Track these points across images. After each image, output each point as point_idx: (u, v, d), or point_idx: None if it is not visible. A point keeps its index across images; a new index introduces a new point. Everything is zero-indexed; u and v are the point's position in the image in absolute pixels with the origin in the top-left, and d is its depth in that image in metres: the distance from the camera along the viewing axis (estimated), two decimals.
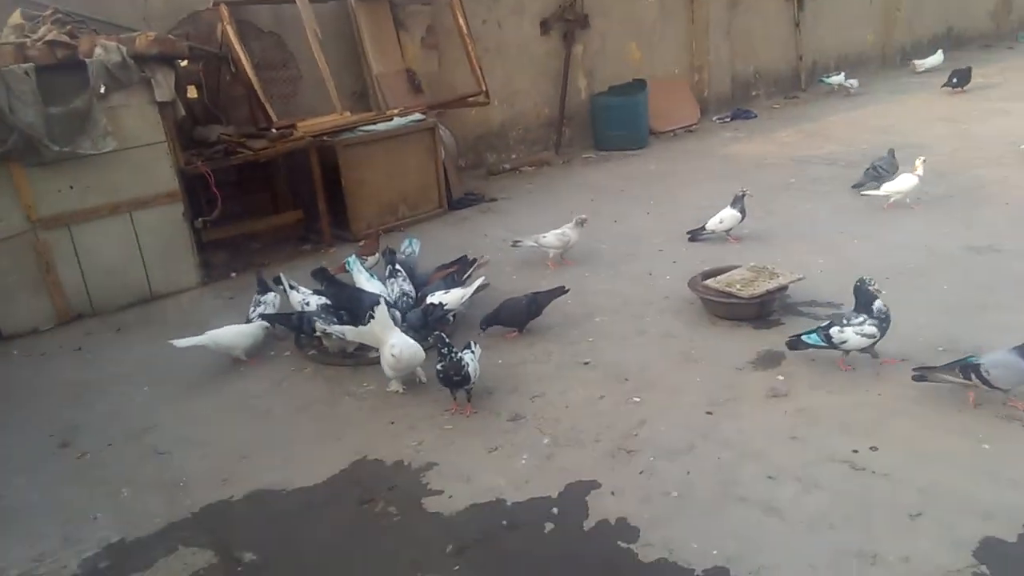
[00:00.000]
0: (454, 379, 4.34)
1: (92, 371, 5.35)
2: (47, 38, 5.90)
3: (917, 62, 14.36)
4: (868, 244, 6.39)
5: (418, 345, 4.66)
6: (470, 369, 4.33)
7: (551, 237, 6.41)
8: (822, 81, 13.47)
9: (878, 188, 7.27)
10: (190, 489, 3.96)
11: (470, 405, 4.45)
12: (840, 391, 4.32)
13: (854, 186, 7.81)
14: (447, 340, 4.37)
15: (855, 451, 3.78)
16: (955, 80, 12.18)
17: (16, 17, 6.24)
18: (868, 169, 7.80)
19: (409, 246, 6.22)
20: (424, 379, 4.73)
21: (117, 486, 4.03)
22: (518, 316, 5.29)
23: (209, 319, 5.64)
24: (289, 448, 4.28)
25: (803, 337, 4.55)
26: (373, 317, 4.66)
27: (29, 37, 5.95)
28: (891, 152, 7.82)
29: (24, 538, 3.69)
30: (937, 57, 14.27)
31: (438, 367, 4.34)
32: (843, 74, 13.34)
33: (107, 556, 3.53)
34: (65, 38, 5.97)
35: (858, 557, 3.14)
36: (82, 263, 6.16)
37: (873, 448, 3.79)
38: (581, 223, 6.38)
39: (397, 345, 4.56)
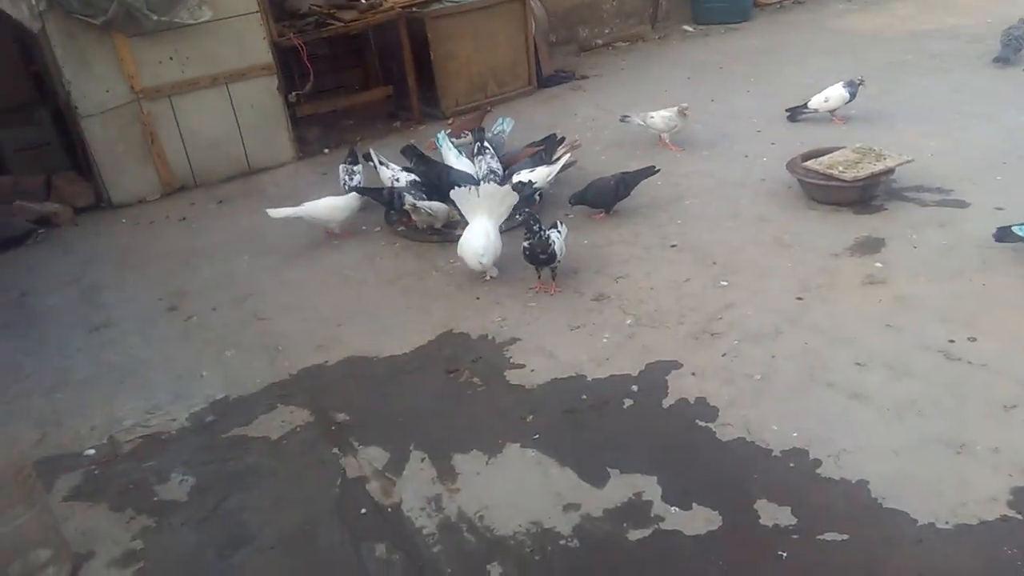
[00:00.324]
0: (540, 257, 4.35)
1: (196, 240, 5.64)
2: None
3: None
4: (988, 125, 5.93)
5: (480, 249, 4.52)
6: (556, 247, 4.33)
7: (657, 119, 6.15)
8: None
9: None
10: (288, 353, 4.19)
11: (555, 283, 4.47)
12: (942, 279, 4.13)
13: (996, 59, 7.19)
14: (537, 218, 4.35)
15: (952, 341, 3.65)
16: None
17: None
18: (1008, 42, 7.16)
19: (501, 124, 6.13)
20: (492, 276, 4.68)
21: (222, 347, 4.31)
22: (606, 196, 5.21)
23: (305, 193, 5.80)
24: (380, 318, 4.44)
25: (1014, 228, 4.17)
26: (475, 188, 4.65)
27: None
28: (1022, 20, 7.14)
29: (139, 392, 4.02)
30: None
31: (524, 244, 4.35)
32: None
33: (212, 411, 3.82)
34: None
35: (946, 444, 3.09)
36: (184, 135, 6.39)
37: (971, 339, 3.65)
38: (683, 112, 6.06)
39: (462, 241, 4.58)
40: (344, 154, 5.98)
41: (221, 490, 3.33)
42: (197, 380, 4.05)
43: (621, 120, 6.33)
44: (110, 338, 4.52)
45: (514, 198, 4.74)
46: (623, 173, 5.27)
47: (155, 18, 5.92)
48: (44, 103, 6.71)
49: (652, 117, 6.18)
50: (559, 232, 4.47)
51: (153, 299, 4.87)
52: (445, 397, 3.77)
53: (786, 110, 6.48)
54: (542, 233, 4.30)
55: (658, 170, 5.36)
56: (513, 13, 7.86)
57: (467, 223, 4.69)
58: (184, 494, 3.34)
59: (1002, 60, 7.17)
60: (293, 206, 5.27)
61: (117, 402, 3.95)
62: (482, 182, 5.39)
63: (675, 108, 6.10)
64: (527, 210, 4.48)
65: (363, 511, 3.15)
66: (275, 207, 5.28)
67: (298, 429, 3.63)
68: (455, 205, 4.80)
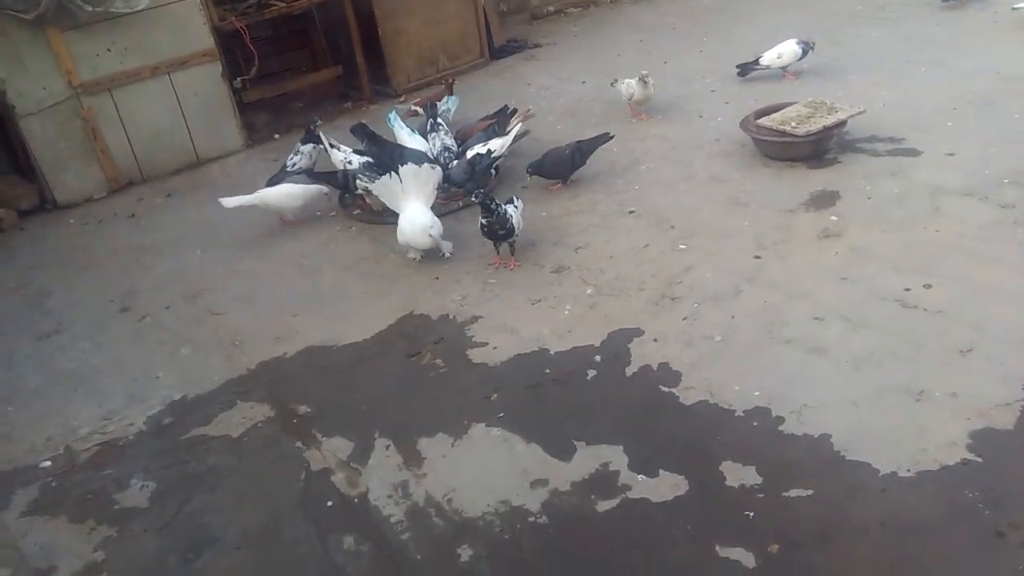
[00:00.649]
0: (499, 233, 4.31)
1: (146, 236, 5.51)
2: None
3: None
4: (937, 72, 5.95)
5: (427, 221, 4.47)
6: (513, 222, 4.29)
7: (621, 87, 6.06)
8: None
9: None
10: (245, 347, 4.12)
11: (514, 258, 4.43)
12: (896, 229, 4.15)
13: (945, 1, 7.23)
14: (491, 196, 4.31)
15: (907, 289, 3.67)
16: None
17: None
18: None
19: (446, 104, 6.00)
20: (448, 253, 4.62)
21: (177, 346, 4.22)
22: (562, 166, 5.16)
23: (255, 181, 5.70)
24: (338, 305, 4.38)
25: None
26: (396, 174, 4.53)
27: None
28: None
29: (93, 398, 3.93)
30: None
31: (482, 221, 4.30)
32: None
33: (170, 412, 3.75)
34: None
35: (904, 393, 3.12)
36: (127, 128, 6.21)
37: (927, 286, 3.67)
38: (643, 79, 5.89)
39: (402, 224, 4.50)
40: (297, 138, 5.85)
41: (183, 493, 3.27)
42: (153, 382, 3.97)
43: (612, 85, 6.20)
44: (60, 344, 4.41)
45: (437, 174, 4.71)
46: (578, 142, 5.21)
47: (89, 9, 5.71)
48: None
49: (617, 83, 6.11)
50: (515, 207, 4.43)
51: (104, 301, 4.76)
52: (408, 381, 3.73)
53: (736, 66, 6.44)
54: (499, 210, 4.26)
55: (612, 136, 5.32)
56: None
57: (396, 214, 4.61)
58: (145, 500, 3.28)
59: (953, 2, 7.19)
60: (245, 193, 5.17)
61: (71, 410, 3.86)
62: (437, 159, 5.33)
63: (635, 77, 5.98)
64: (480, 190, 4.42)
65: (329, 503, 3.12)
66: (226, 195, 5.17)
67: (259, 425, 3.57)
68: (381, 199, 4.73)
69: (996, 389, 3.05)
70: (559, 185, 5.22)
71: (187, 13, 6.21)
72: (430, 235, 4.45)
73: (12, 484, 3.46)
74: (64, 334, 4.51)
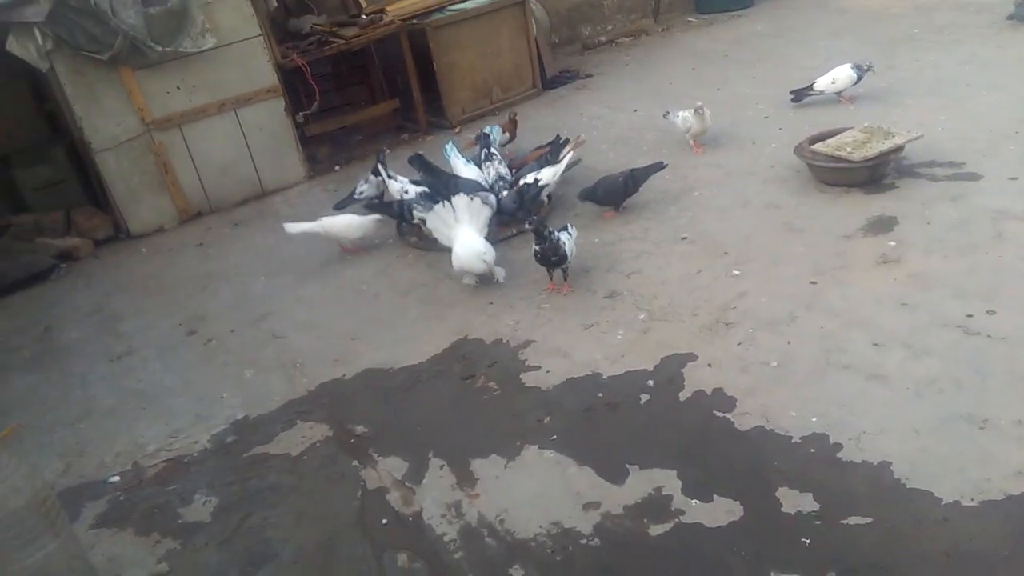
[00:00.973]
0: (552, 259, 4.36)
1: (214, 264, 5.72)
2: None
3: None
4: (998, 95, 5.84)
5: (481, 247, 4.57)
6: (567, 248, 4.34)
7: (679, 120, 5.96)
8: None
9: None
10: (306, 369, 4.23)
11: (567, 284, 4.47)
12: (957, 255, 4.07)
13: (1010, 17, 7.21)
14: (545, 223, 4.38)
15: (970, 316, 3.59)
16: None
17: None
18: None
19: (492, 133, 6.11)
20: (502, 279, 4.66)
21: (241, 368, 4.36)
22: (615, 193, 5.20)
23: (316, 211, 5.85)
24: (395, 329, 4.47)
25: None
26: (449, 203, 4.66)
27: None
28: None
29: (161, 417, 4.09)
30: None
31: (536, 248, 4.36)
32: None
33: (234, 431, 3.87)
34: None
35: (968, 421, 3.05)
36: (196, 162, 6.49)
37: (990, 312, 3.59)
38: (699, 111, 5.83)
39: (457, 250, 4.58)
40: (359, 170, 6.05)
41: (243, 509, 3.37)
42: (218, 402, 4.10)
43: (664, 117, 6.14)
44: (131, 366, 4.60)
45: (490, 208, 4.78)
46: (631, 170, 5.25)
47: (159, 49, 6.02)
48: (59, 140, 6.84)
49: (671, 116, 6.06)
50: (569, 234, 4.48)
51: (173, 325, 4.96)
52: (462, 403, 3.78)
53: (790, 92, 6.42)
54: (552, 237, 4.32)
55: (665, 165, 5.34)
56: (514, 17, 7.88)
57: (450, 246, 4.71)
58: (207, 515, 3.38)
59: (1017, 18, 7.16)
60: (306, 221, 5.35)
61: (140, 428, 4.02)
62: (492, 187, 5.43)
63: (690, 109, 5.95)
64: (534, 217, 4.50)
65: (384, 522, 3.17)
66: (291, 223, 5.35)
67: (317, 444, 3.66)
68: (433, 232, 4.85)
69: None
70: (612, 212, 5.26)
71: (251, 52, 6.48)
72: (484, 261, 4.53)
73: (82, 498, 3.61)
74: (135, 356, 4.70)
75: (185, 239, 6.26)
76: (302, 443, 3.68)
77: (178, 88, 6.28)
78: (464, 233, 4.63)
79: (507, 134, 6.24)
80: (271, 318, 4.80)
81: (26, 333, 5.23)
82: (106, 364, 4.68)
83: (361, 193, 5.77)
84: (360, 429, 3.72)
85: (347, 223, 5.36)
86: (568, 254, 4.37)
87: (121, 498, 3.58)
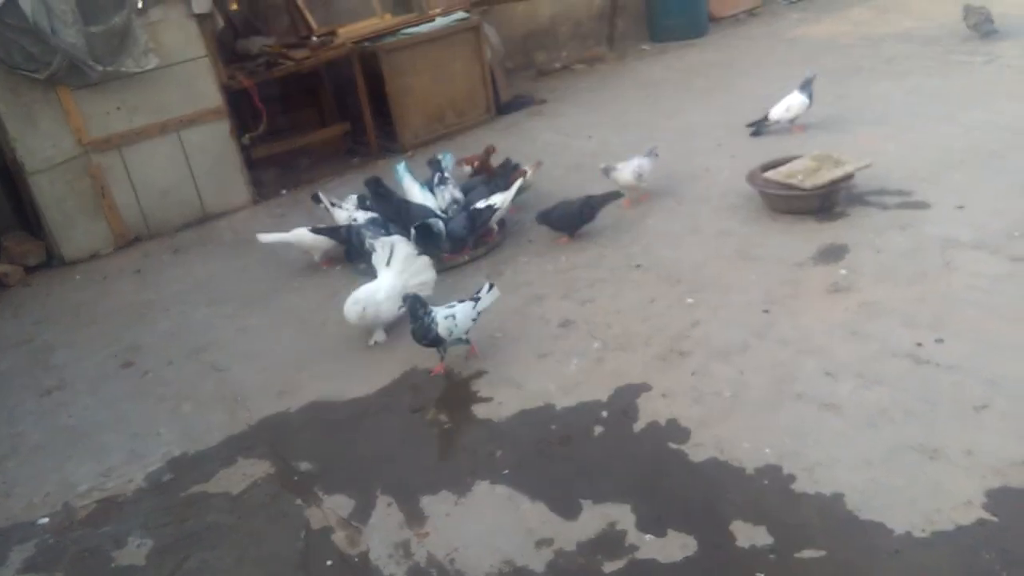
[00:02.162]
0: (422, 342, 3.98)
1: (152, 292, 5.51)
2: None
3: None
4: (945, 125, 5.95)
5: (363, 297, 4.30)
6: (440, 330, 3.91)
7: (627, 173, 5.46)
8: None
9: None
10: (248, 402, 4.07)
11: (442, 365, 4.08)
12: (906, 283, 4.10)
13: (984, 37, 7.69)
14: (422, 300, 3.97)
15: (919, 344, 3.60)
16: None
17: None
18: (977, 23, 7.70)
19: (444, 158, 6.00)
20: (377, 341, 4.42)
21: (179, 402, 4.18)
22: (570, 220, 5.16)
23: None
24: (342, 360, 4.33)
25: None
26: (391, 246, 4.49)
27: None
28: (966, 7, 7.76)
29: (93, 454, 3.88)
30: None
31: (411, 327, 3.96)
32: None
33: (170, 469, 3.69)
34: None
35: (918, 451, 3.03)
36: (136, 185, 6.27)
37: (939, 341, 3.60)
38: (653, 154, 5.58)
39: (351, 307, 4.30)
40: (306, 194, 5.93)
41: (181, 551, 3.19)
42: (154, 438, 3.91)
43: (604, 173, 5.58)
44: (63, 400, 4.38)
45: (430, 276, 4.54)
46: (588, 197, 5.20)
47: (100, 68, 5.82)
48: None
49: (618, 171, 5.49)
50: (473, 301, 4.06)
51: (107, 356, 4.74)
52: (411, 437, 3.66)
53: (748, 125, 6.46)
54: (424, 318, 3.91)
55: (622, 195, 5.33)
56: (468, 42, 7.84)
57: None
58: (142, 558, 3.20)
59: (988, 34, 7.68)
60: (249, 250, 5.25)
61: (71, 467, 3.80)
62: (446, 211, 5.35)
63: (642, 152, 5.59)
64: (408, 295, 4.02)
65: (329, 563, 3.03)
66: (232, 253, 5.25)
67: (259, 482, 3.50)
68: (371, 255, 4.66)
69: (1012, 446, 2.96)
70: (566, 239, 5.20)
71: (196, 72, 6.31)
72: (358, 313, 4.26)
73: (9, 541, 3.40)
74: (66, 390, 4.48)
75: (122, 265, 6.02)
76: (243, 481, 3.51)
77: (118, 109, 6.08)
78: (382, 278, 4.44)
79: (476, 164, 6.04)
80: (212, 349, 4.62)
81: None
82: (35, 398, 4.44)
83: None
84: (304, 465, 3.56)
85: (314, 236, 5.29)
86: (444, 336, 3.92)
87: (51, 541, 3.38)
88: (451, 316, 3.94)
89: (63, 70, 5.70)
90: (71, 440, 4.02)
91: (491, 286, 4.16)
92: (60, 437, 4.06)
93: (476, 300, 4.08)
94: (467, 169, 6.07)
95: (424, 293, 4.44)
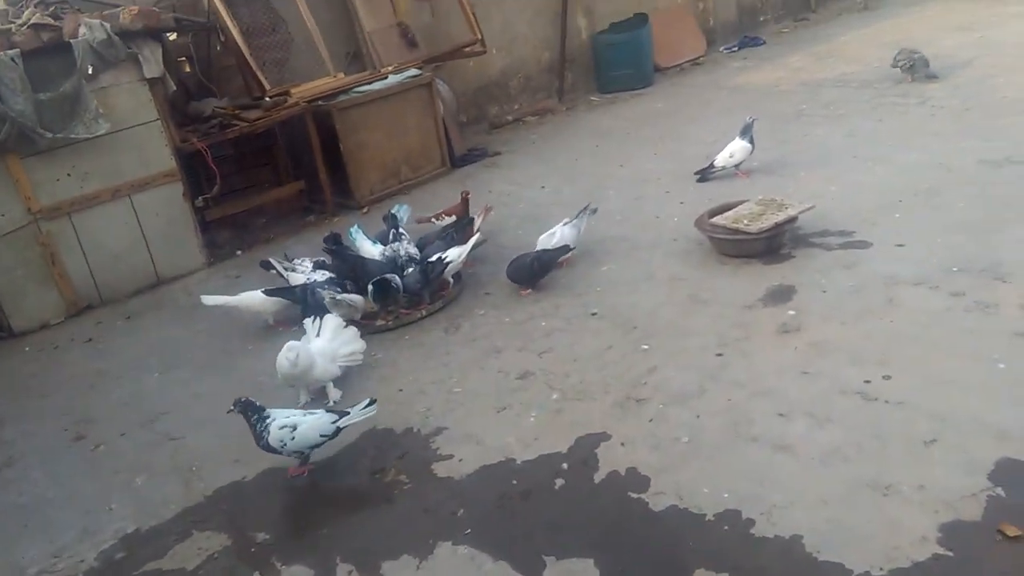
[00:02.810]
0: (259, 445, 3.74)
1: (104, 361, 5.40)
2: (31, 22, 5.84)
3: None
4: (882, 166, 6.17)
5: (292, 357, 4.17)
6: (271, 441, 3.66)
7: (567, 231, 5.44)
8: None
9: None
10: (203, 472, 3.99)
11: (295, 468, 3.86)
12: (852, 321, 4.20)
13: (915, 80, 8.12)
14: (257, 406, 3.75)
15: (867, 381, 3.69)
16: None
17: None
18: (908, 66, 8.11)
19: (397, 211, 6.02)
20: (300, 400, 4.41)
21: (132, 475, 4.08)
22: (522, 274, 5.21)
23: None
24: None
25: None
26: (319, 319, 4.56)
27: (13, 23, 5.90)
28: (901, 49, 8.24)
29: (43, 533, 3.76)
30: None
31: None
32: None
33: (123, 547, 3.58)
34: (49, 20, 5.93)
35: (872, 488, 3.08)
36: (87, 252, 6.19)
37: (886, 377, 3.69)
38: (591, 211, 5.64)
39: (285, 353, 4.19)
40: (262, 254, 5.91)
41: None
42: (106, 514, 3.80)
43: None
44: (12, 478, 4.24)
45: (359, 346, 4.53)
46: (540, 251, 5.27)
47: (49, 136, 5.79)
48: None
49: (554, 235, 5.43)
50: (354, 413, 3.81)
51: (58, 429, 4.61)
52: (371, 500, 3.61)
53: (695, 173, 6.63)
54: (257, 425, 3.69)
55: (573, 249, 5.40)
56: (420, 98, 7.96)
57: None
58: None
59: (929, 78, 8.06)
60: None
61: (20, 547, 3.67)
62: (402, 267, 5.36)
63: (580, 209, 5.63)
64: (242, 399, 3.77)
65: None
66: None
67: (215, 556, 3.42)
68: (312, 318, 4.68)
69: (961, 479, 3.03)
70: (527, 291, 5.23)
71: (148, 136, 6.30)
72: (295, 357, 4.17)
73: None
74: (16, 466, 4.35)
75: (73, 334, 5.91)
76: (198, 555, 3.43)
77: (69, 175, 6.03)
78: (314, 343, 4.44)
79: (453, 216, 6.03)
80: (165, 418, 4.53)
81: None
82: None
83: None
84: (262, 536, 3.49)
85: (263, 299, 5.22)
86: (275, 447, 3.67)
87: None
88: (289, 428, 3.64)
89: (12, 138, 5.66)
90: (21, 519, 3.89)
91: (371, 402, 3.84)
92: (10, 516, 3.93)
93: (341, 415, 3.76)
94: (447, 220, 6.05)
95: (354, 363, 4.53)
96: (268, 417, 3.70)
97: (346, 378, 4.59)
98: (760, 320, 4.40)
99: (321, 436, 3.71)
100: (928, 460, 3.17)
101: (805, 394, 3.70)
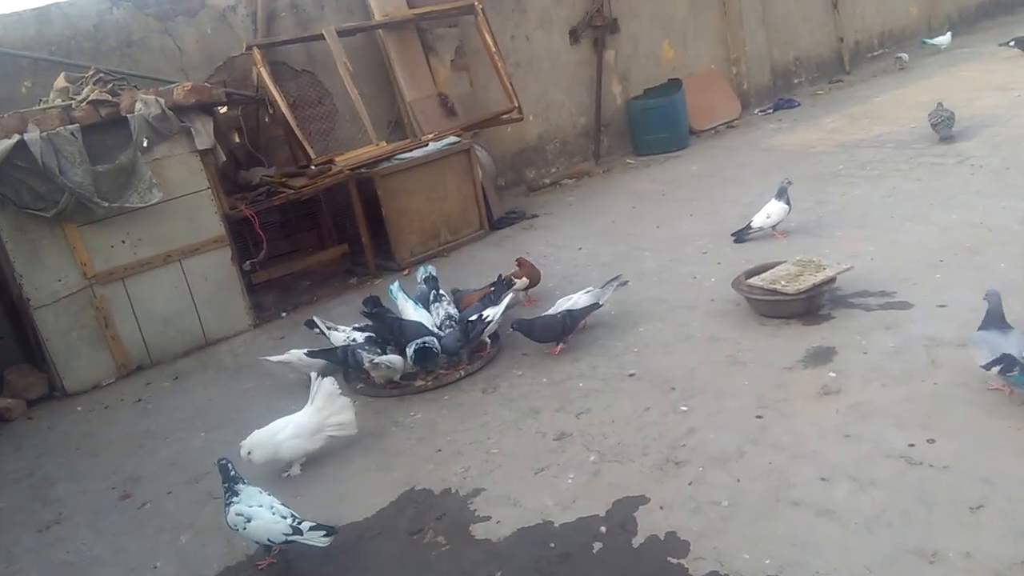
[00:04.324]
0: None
1: (152, 421, 5.53)
2: (90, 98, 6.17)
3: (930, 41, 13.74)
4: (922, 225, 6.14)
5: (276, 433, 4.42)
6: (228, 520, 3.67)
7: (584, 299, 5.46)
8: (925, 42, 13.55)
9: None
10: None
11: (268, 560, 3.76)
12: (895, 383, 4.15)
13: (941, 140, 8.14)
14: (231, 475, 3.76)
15: (911, 445, 3.63)
16: (1012, 43, 11.68)
17: (60, 80, 6.53)
18: (938, 122, 8.14)
19: (425, 272, 6.14)
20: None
21: (176, 533, 4.15)
22: (551, 331, 5.23)
23: (263, 360, 5.77)
24: (340, 483, 4.33)
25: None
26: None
27: (73, 99, 6.23)
28: (938, 104, 8.26)
29: None
30: (947, 37, 13.52)
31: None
32: (948, 34, 13.42)
33: None
34: (107, 96, 6.24)
35: (917, 555, 3.01)
36: (138, 315, 6.40)
37: (930, 440, 3.63)
38: (620, 283, 5.64)
39: (253, 438, 4.41)
40: (306, 316, 6.15)
41: None
42: (150, 572, 3.86)
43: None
44: (61, 535, 4.33)
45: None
46: (568, 310, 5.30)
47: (106, 205, 6.06)
48: None
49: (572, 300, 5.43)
50: (294, 527, 3.59)
51: (106, 488, 4.72)
52: (409, 562, 3.62)
53: (732, 234, 6.66)
54: (226, 495, 3.69)
55: (601, 305, 5.44)
56: (460, 164, 8.18)
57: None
58: None
59: (945, 139, 8.08)
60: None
61: None
62: (440, 328, 5.45)
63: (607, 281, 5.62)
64: (221, 460, 3.83)
65: None
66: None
67: None
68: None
69: (1010, 546, 2.94)
70: (557, 348, 5.26)
71: (199, 204, 6.57)
72: (246, 455, 4.35)
73: None
74: (65, 524, 4.44)
75: (123, 395, 6.07)
76: None
77: (123, 242, 6.28)
78: (298, 415, 4.53)
79: (524, 279, 6.14)
80: (209, 477, 4.59)
81: None
82: (33, 534, 4.40)
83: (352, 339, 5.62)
84: None
85: (309, 360, 5.44)
86: (231, 526, 3.64)
87: None
88: (244, 518, 3.58)
89: (70, 208, 5.93)
90: None
91: (327, 533, 3.60)
92: (58, 573, 4.01)
93: (295, 530, 3.57)
94: (523, 282, 6.16)
95: (346, 433, 4.57)
96: (235, 494, 3.69)
97: (382, 436, 4.64)
98: (800, 382, 4.37)
99: (268, 541, 3.59)
100: (975, 526, 3.09)
101: (847, 457, 3.65)
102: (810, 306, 5.06)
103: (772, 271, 5.30)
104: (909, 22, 14.43)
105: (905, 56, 12.92)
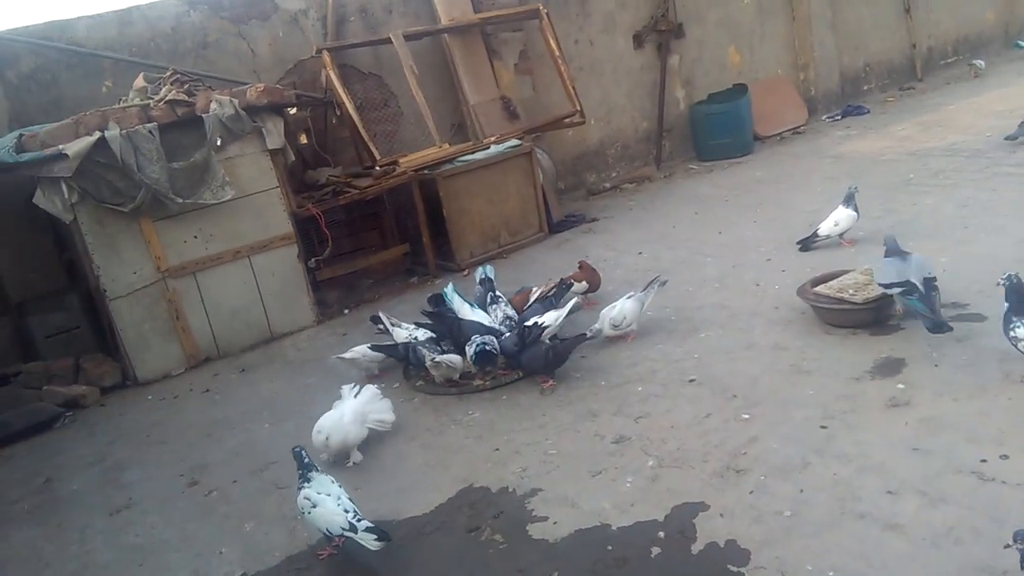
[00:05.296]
0: None
1: (219, 411, 5.70)
2: (168, 98, 6.39)
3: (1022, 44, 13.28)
4: (996, 237, 5.95)
5: (338, 419, 4.58)
6: (298, 500, 3.75)
7: (605, 323, 5.43)
8: (1018, 44, 13.16)
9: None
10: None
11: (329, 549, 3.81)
12: (967, 397, 4.03)
13: (1007, 138, 7.99)
14: (305, 462, 3.84)
15: (984, 460, 3.51)
16: None
17: (139, 81, 6.79)
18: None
19: (482, 273, 6.16)
20: (358, 460, 4.62)
21: (241, 521, 4.26)
22: (536, 362, 5.08)
23: (324, 355, 5.92)
24: (399, 478, 4.39)
25: None
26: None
27: (151, 98, 6.46)
28: None
29: (157, 574, 3.96)
30: None
31: None
32: None
33: None
34: (183, 96, 6.46)
35: (987, 572, 2.92)
36: (208, 308, 6.61)
37: (1004, 456, 3.51)
38: (660, 283, 5.63)
39: (324, 423, 4.61)
40: (368, 313, 6.29)
41: None
42: (216, 557, 3.98)
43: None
44: (131, 519, 4.49)
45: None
46: (559, 340, 5.25)
47: (180, 201, 6.27)
48: (75, 288, 6.99)
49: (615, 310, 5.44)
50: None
51: (175, 475, 4.88)
52: (466, 558, 3.65)
53: (797, 242, 6.54)
54: (299, 481, 3.78)
55: (590, 338, 5.34)
56: (521, 166, 8.22)
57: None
58: None
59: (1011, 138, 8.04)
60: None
61: None
62: (499, 328, 5.48)
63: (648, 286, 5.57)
64: (296, 448, 3.92)
65: None
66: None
67: None
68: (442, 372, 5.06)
69: None
70: (549, 383, 5.07)
71: (268, 202, 6.74)
72: (324, 440, 4.53)
73: None
74: (135, 508, 4.61)
75: (192, 385, 6.27)
76: None
77: (195, 237, 6.49)
78: (345, 405, 4.70)
79: (584, 282, 6.16)
80: (274, 467, 4.73)
81: (26, 484, 5.15)
82: (105, 517, 4.57)
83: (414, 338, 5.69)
84: None
85: (373, 354, 5.62)
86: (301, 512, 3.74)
87: None
88: (309, 503, 3.68)
89: (147, 203, 6.16)
90: (137, 559, 4.10)
91: (379, 537, 3.60)
92: (127, 556, 4.15)
93: (352, 526, 3.61)
94: (581, 286, 6.16)
95: (382, 428, 4.76)
96: (308, 480, 3.78)
97: (441, 434, 4.69)
98: (867, 393, 4.27)
99: (327, 532, 3.66)
100: None
101: (916, 472, 3.55)
102: (878, 316, 4.94)
103: (839, 279, 5.19)
104: (985, 28, 13.97)
105: (981, 63, 12.51)
